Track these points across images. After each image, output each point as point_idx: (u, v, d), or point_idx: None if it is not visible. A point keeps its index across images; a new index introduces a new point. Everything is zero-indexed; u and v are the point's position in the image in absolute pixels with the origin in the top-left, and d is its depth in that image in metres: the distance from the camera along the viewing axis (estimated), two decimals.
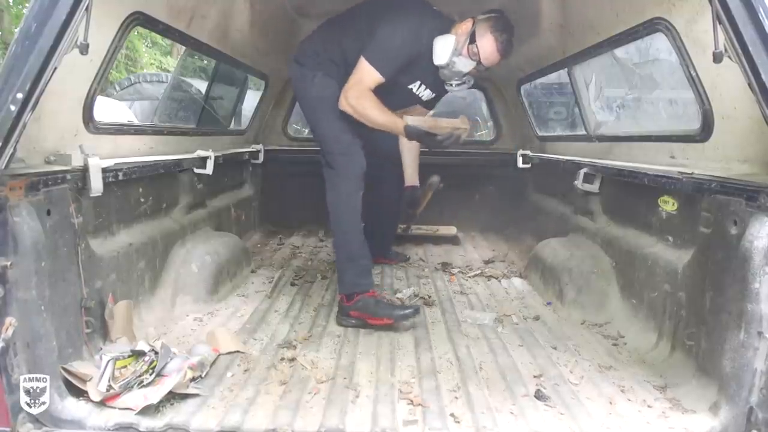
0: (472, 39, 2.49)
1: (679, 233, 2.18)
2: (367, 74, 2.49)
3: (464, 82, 2.65)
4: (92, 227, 2.08)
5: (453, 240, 4.45)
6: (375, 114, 2.50)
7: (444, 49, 2.50)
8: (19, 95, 1.47)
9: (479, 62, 2.52)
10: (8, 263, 1.51)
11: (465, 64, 2.53)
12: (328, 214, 2.63)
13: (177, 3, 2.56)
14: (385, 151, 3.23)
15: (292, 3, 3.57)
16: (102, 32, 2.00)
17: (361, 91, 2.49)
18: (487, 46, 2.49)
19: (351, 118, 2.56)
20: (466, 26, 2.52)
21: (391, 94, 2.58)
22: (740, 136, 1.92)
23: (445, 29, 2.55)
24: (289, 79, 4.53)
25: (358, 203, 2.60)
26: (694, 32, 2.03)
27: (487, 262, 3.79)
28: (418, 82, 2.71)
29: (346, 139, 2.60)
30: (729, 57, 1.56)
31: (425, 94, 2.77)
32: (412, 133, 2.52)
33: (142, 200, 2.54)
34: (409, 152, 3.39)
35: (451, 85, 2.65)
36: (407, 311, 2.49)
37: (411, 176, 3.45)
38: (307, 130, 5.30)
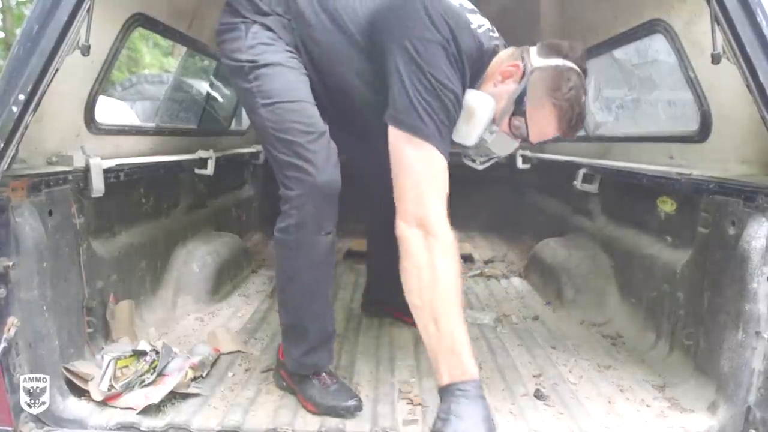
0: (520, 101, 1.57)
1: (678, 233, 2.19)
2: (430, 164, 1.49)
3: (491, 159, 1.78)
4: (94, 228, 2.08)
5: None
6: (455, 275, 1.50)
7: (475, 125, 1.59)
8: (21, 96, 1.48)
9: (523, 140, 1.65)
10: (10, 263, 1.51)
11: (502, 146, 1.66)
12: (275, 257, 1.73)
13: (178, 4, 2.57)
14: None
15: None
16: (103, 33, 2.01)
17: (441, 216, 1.49)
18: (543, 120, 1.58)
19: (318, 98, 1.67)
20: (509, 76, 1.59)
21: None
22: (738, 137, 1.93)
23: (483, 63, 1.62)
24: None
25: (327, 246, 1.66)
26: (692, 33, 2.04)
27: (486, 262, 3.80)
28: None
29: (299, 134, 1.59)
30: (727, 58, 1.57)
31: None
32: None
33: (144, 201, 2.55)
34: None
35: (474, 161, 1.81)
36: (346, 405, 1.68)
37: None
38: None
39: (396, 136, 1.51)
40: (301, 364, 1.75)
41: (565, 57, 1.57)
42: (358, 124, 1.84)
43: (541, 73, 1.56)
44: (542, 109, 1.56)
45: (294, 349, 1.75)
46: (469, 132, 1.60)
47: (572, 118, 1.57)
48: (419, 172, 1.48)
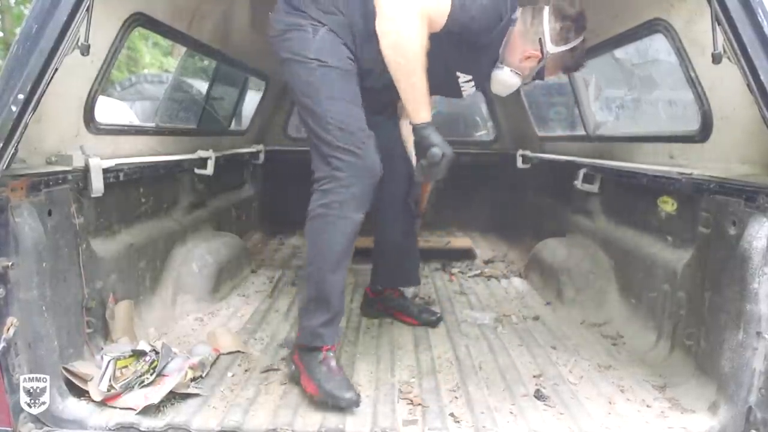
0: (539, 73, 2.04)
1: (679, 233, 2.19)
2: None
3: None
4: (93, 227, 2.08)
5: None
6: (417, 51, 1.79)
7: (507, 86, 2.08)
8: (21, 96, 1.48)
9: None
10: (9, 263, 1.51)
11: (516, 80, 2.08)
12: (307, 227, 1.90)
13: (178, 4, 2.56)
14: (392, 143, 2.36)
15: None
16: (103, 33, 2.01)
17: (420, 12, 1.77)
18: (554, 68, 2.03)
19: (365, 100, 1.93)
20: (533, 54, 1.98)
21: (431, 74, 1.87)
22: (739, 137, 1.93)
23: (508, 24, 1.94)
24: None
25: (358, 226, 1.89)
26: (693, 33, 2.04)
27: (486, 262, 3.80)
28: (469, 78, 2.16)
29: (358, 129, 1.87)
30: (728, 58, 1.57)
31: (467, 90, 2.21)
32: (422, 130, 1.91)
33: (143, 200, 2.54)
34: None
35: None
36: (345, 396, 1.74)
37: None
38: None
39: None
40: (317, 335, 1.89)
41: (571, 40, 1.98)
42: (382, 99, 2.14)
43: (554, 57, 2.01)
44: (554, 72, 2.08)
45: (314, 320, 1.90)
46: (500, 91, 2.14)
47: (577, 68, 2.12)
48: None
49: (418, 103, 1.88)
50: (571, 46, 1.98)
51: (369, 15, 1.86)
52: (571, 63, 2.05)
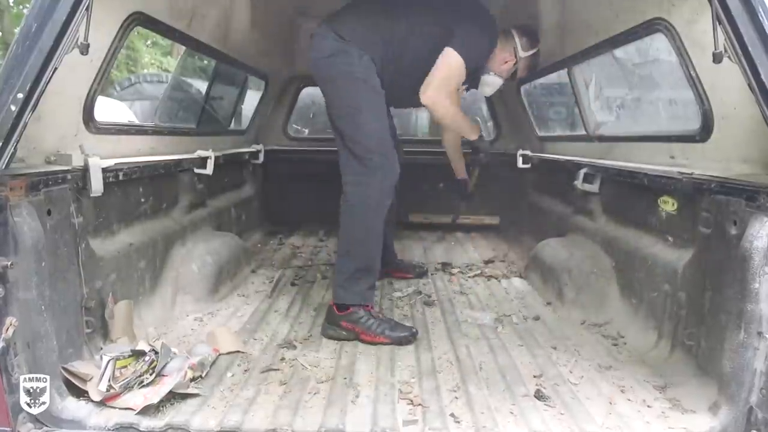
0: (512, 74, 2.83)
1: (679, 233, 2.18)
2: (456, 69, 2.45)
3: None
4: (92, 227, 2.08)
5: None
6: (460, 117, 2.67)
7: (493, 86, 2.86)
8: (20, 95, 1.48)
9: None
10: (9, 263, 1.51)
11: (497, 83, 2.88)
12: (347, 213, 2.41)
13: (177, 3, 2.56)
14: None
15: (292, 3, 3.57)
16: (102, 32, 2.00)
17: (451, 91, 2.49)
18: (524, 68, 2.83)
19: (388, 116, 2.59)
20: (509, 59, 2.76)
21: None
22: (740, 137, 1.92)
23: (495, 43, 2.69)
24: (289, 78, 4.59)
25: (385, 212, 2.44)
26: (693, 32, 2.04)
27: (487, 262, 3.79)
28: (465, 86, 2.83)
29: (388, 140, 2.45)
30: (729, 57, 1.56)
31: (462, 92, 2.89)
32: (482, 143, 2.98)
33: (143, 200, 2.54)
34: (455, 148, 3.49)
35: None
36: (405, 334, 2.31)
37: (460, 169, 3.54)
38: (307, 131, 5.29)
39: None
40: (367, 297, 2.43)
41: (535, 46, 2.80)
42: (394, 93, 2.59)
43: (524, 60, 2.81)
44: (524, 72, 2.87)
45: (363, 285, 2.42)
46: (485, 92, 2.96)
47: (536, 67, 2.93)
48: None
49: (465, 132, 2.86)
50: (534, 51, 2.80)
51: (389, 58, 2.46)
52: (534, 63, 2.85)
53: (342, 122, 2.45)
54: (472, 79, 2.77)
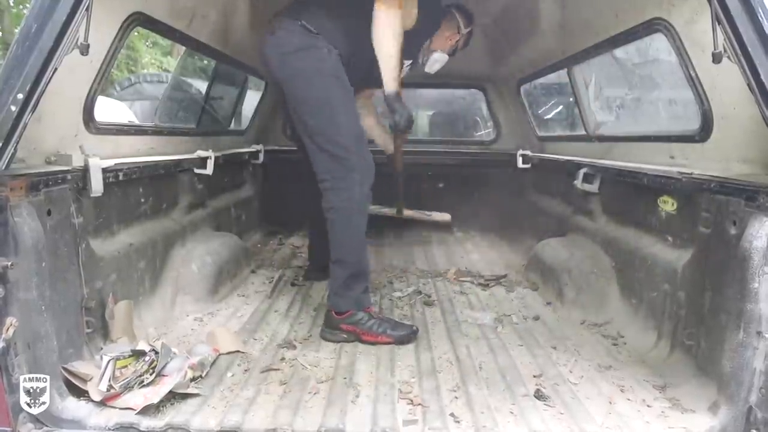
0: (454, 49, 2.86)
1: (679, 233, 2.18)
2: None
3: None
4: (92, 227, 2.08)
5: (446, 228, 4.42)
6: (397, 39, 2.31)
7: (441, 63, 2.86)
8: (20, 96, 1.48)
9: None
10: (9, 263, 1.51)
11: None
12: (334, 222, 2.35)
13: (177, 3, 2.56)
14: None
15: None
16: (102, 33, 2.00)
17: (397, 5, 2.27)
18: (463, 44, 2.91)
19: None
20: (453, 36, 2.81)
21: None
22: (739, 136, 1.92)
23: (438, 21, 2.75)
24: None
25: (367, 213, 2.38)
26: (693, 33, 2.04)
27: (488, 281, 3.43)
28: (410, 61, 2.73)
29: (364, 139, 2.39)
30: (728, 57, 1.56)
31: (405, 70, 2.68)
32: (393, 98, 2.42)
33: (143, 200, 2.54)
34: (375, 119, 3.23)
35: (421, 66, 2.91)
36: (406, 333, 2.32)
37: (387, 143, 3.23)
38: None
39: None
40: (362, 300, 2.38)
41: (471, 23, 2.88)
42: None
43: (464, 36, 2.87)
44: (464, 46, 2.91)
45: (357, 289, 2.38)
46: (434, 68, 2.87)
47: (469, 40, 2.94)
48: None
49: (393, 65, 2.39)
50: (471, 27, 2.89)
51: (351, 52, 2.39)
52: (470, 37, 2.92)
53: (315, 121, 2.34)
54: (414, 59, 2.77)
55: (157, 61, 17.08)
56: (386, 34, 2.29)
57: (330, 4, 2.43)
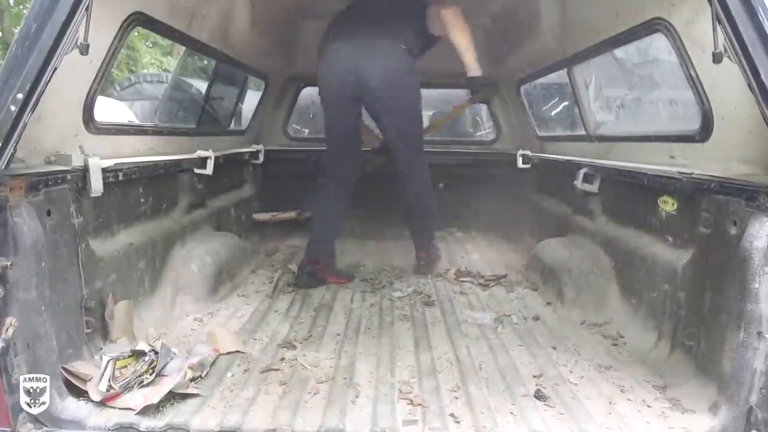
0: None
1: (679, 233, 2.18)
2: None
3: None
4: (92, 227, 2.08)
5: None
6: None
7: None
8: (20, 95, 1.48)
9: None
10: (8, 263, 1.51)
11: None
12: (421, 195, 3.28)
13: (177, 3, 2.56)
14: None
15: (293, 3, 3.57)
16: (102, 32, 2.00)
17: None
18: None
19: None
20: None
21: None
22: (740, 137, 1.92)
23: None
24: (289, 78, 4.58)
25: None
26: (693, 32, 2.03)
27: (488, 281, 3.54)
28: None
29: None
30: (728, 57, 1.56)
31: None
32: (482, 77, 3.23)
33: (142, 200, 2.54)
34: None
35: None
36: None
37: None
38: (307, 131, 5.30)
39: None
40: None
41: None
42: None
43: None
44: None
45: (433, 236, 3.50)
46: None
47: None
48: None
49: (472, 49, 3.12)
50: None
51: None
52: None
53: (414, 127, 3.18)
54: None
55: (157, 61, 17.08)
56: (466, 28, 2.98)
57: (416, 26, 3.07)
